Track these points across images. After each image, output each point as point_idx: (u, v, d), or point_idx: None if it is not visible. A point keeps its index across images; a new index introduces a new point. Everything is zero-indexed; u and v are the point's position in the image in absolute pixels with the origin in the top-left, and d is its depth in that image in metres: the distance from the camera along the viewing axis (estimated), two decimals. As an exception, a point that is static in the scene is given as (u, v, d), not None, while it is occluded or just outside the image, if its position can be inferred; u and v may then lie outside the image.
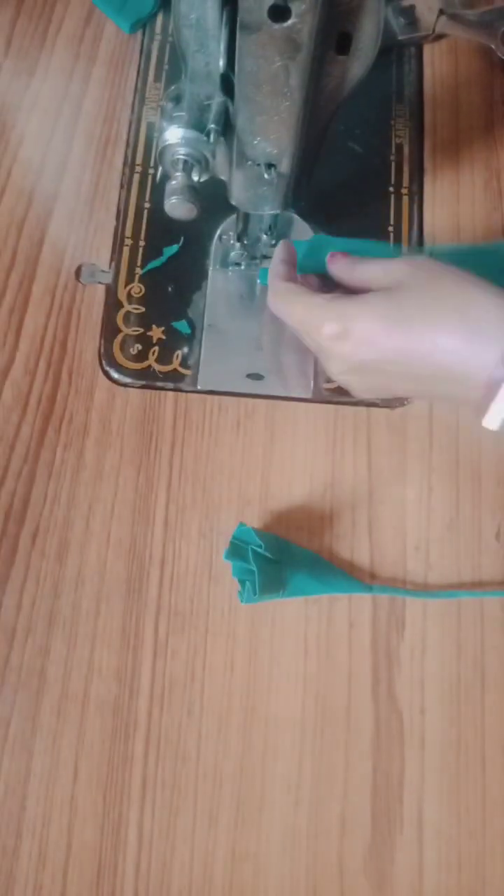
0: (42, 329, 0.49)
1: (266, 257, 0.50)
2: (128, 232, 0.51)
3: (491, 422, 0.33)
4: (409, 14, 0.55)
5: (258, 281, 0.49)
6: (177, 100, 0.36)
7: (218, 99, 0.36)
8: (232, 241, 0.49)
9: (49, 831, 0.40)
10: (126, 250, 0.51)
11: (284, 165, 0.39)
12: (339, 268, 0.40)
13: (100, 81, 0.56)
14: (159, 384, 0.48)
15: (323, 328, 0.36)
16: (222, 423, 0.47)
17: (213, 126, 0.35)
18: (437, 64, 0.57)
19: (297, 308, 0.38)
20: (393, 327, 0.34)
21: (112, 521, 0.45)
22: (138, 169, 0.53)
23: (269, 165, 0.39)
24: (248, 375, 0.48)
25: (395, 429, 0.47)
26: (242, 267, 0.50)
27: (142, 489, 0.46)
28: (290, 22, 0.30)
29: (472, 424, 0.37)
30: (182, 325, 0.49)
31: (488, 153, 0.54)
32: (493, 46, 0.55)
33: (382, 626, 0.43)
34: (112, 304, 0.50)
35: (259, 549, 0.43)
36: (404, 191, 0.53)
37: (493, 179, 0.53)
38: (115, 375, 0.48)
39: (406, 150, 0.54)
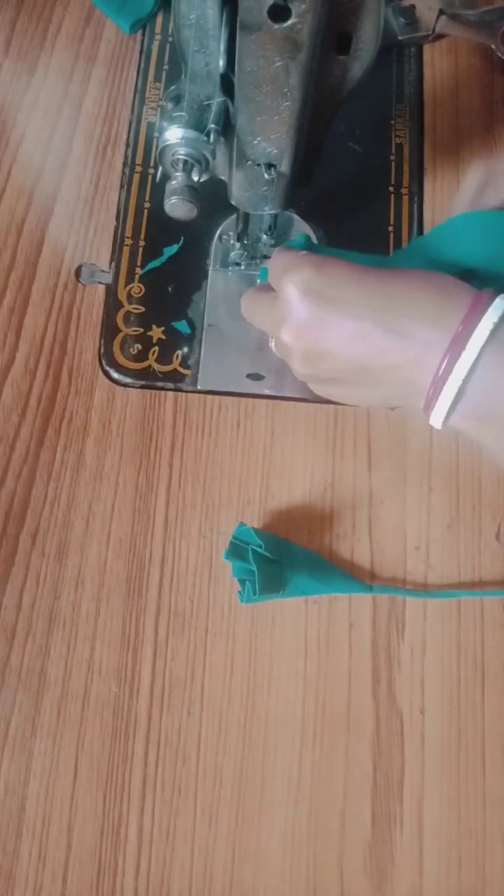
0: (42, 329, 0.49)
1: (266, 257, 0.50)
2: (128, 232, 0.51)
3: (435, 420, 0.33)
4: (409, 14, 0.55)
5: (258, 281, 0.49)
6: (177, 100, 0.36)
7: (218, 99, 0.36)
8: (232, 241, 0.49)
9: (49, 831, 0.40)
10: (126, 250, 0.51)
11: (284, 165, 0.39)
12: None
13: (100, 81, 0.56)
14: (159, 384, 0.48)
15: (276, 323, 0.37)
16: (222, 423, 0.47)
17: (213, 126, 0.35)
18: (437, 64, 0.57)
19: (256, 309, 0.41)
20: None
21: (112, 521, 0.45)
22: (138, 169, 0.53)
23: (269, 165, 0.39)
24: (248, 375, 0.48)
25: (395, 429, 0.47)
26: (242, 267, 0.50)
27: (142, 489, 0.46)
28: (290, 22, 0.30)
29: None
30: (182, 325, 0.49)
31: (488, 153, 0.54)
32: (493, 46, 0.55)
33: (382, 626, 0.43)
34: (112, 304, 0.50)
35: (259, 549, 0.43)
36: (404, 191, 0.53)
37: (493, 179, 0.53)
38: (115, 375, 0.48)
39: (406, 150, 0.54)
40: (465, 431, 0.34)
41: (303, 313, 0.35)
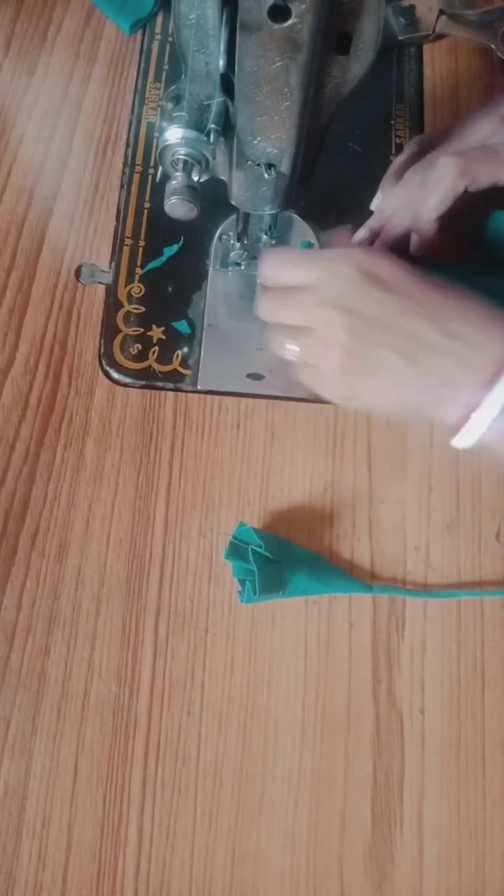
0: (42, 329, 0.49)
1: (266, 257, 0.50)
2: (128, 232, 0.51)
3: (462, 441, 0.34)
4: (409, 14, 0.55)
5: (258, 281, 0.49)
6: (177, 100, 0.36)
7: (218, 99, 0.36)
8: (232, 241, 0.49)
9: (49, 831, 0.40)
10: (126, 250, 0.51)
11: (284, 165, 0.39)
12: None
13: (100, 81, 0.56)
14: (159, 384, 0.48)
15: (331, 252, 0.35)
16: (222, 423, 0.47)
17: (213, 126, 0.35)
18: (437, 64, 0.57)
19: (285, 300, 0.38)
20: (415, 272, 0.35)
21: (112, 521, 0.45)
22: (138, 169, 0.53)
23: (269, 165, 0.39)
24: (248, 375, 0.48)
25: (395, 429, 0.47)
26: (242, 267, 0.50)
27: (142, 489, 0.46)
28: (290, 22, 0.30)
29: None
30: (182, 325, 0.49)
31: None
32: (493, 46, 0.55)
33: (382, 626, 0.43)
34: (112, 304, 0.50)
35: (259, 549, 0.43)
36: (404, 191, 0.53)
37: (493, 179, 0.53)
38: (115, 375, 0.48)
39: (406, 150, 0.54)
40: (493, 447, 0.34)
41: (360, 293, 0.35)
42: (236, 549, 0.43)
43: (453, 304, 0.35)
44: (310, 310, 0.37)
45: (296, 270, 0.38)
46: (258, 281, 0.49)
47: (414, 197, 0.42)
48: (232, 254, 0.50)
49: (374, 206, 0.47)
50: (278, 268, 0.38)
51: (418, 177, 0.43)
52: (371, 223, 0.45)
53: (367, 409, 0.40)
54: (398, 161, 0.46)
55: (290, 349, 0.38)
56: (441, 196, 0.41)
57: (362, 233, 0.45)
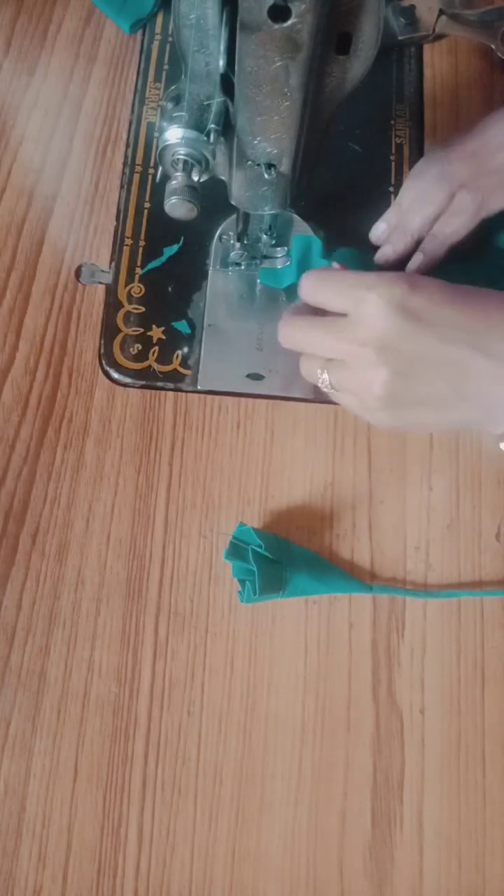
0: (42, 329, 0.49)
1: (266, 257, 0.50)
2: (128, 232, 0.51)
3: None
4: (409, 14, 0.55)
5: (258, 281, 0.49)
6: (177, 100, 0.36)
7: (218, 99, 0.36)
8: (232, 241, 0.49)
9: (49, 831, 0.40)
10: (126, 250, 0.51)
11: (284, 165, 0.39)
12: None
13: (100, 81, 0.56)
14: (159, 384, 0.48)
15: (373, 280, 0.35)
16: (222, 424, 0.47)
17: (213, 126, 0.35)
18: (437, 64, 0.57)
19: (313, 332, 0.38)
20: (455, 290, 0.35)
21: (112, 521, 0.45)
22: (138, 169, 0.53)
23: (269, 165, 0.39)
24: (248, 375, 0.48)
25: (395, 429, 0.47)
26: (242, 267, 0.50)
27: (142, 489, 0.46)
28: (290, 22, 0.30)
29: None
30: (182, 325, 0.49)
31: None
32: (493, 46, 0.55)
33: (382, 626, 0.43)
34: (112, 304, 0.50)
35: (259, 549, 0.43)
36: (404, 191, 0.53)
37: (493, 179, 0.53)
38: (115, 375, 0.48)
39: (406, 150, 0.54)
40: None
41: (396, 331, 0.34)
42: (236, 549, 0.43)
43: (494, 322, 0.34)
44: (347, 347, 0.36)
45: (340, 293, 0.37)
46: (258, 282, 0.50)
47: (426, 210, 0.43)
48: (232, 254, 0.50)
49: (373, 235, 0.48)
50: (317, 290, 0.38)
51: (433, 188, 0.43)
52: (389, 218, 0.46)
53: (415, 430, 0.41)
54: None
55: (324, 380, 0.38)
56: (458, 228, 0.42)
57: (382, 227, 0.46)
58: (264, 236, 0.49)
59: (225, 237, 0.51)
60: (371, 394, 0.36)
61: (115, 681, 0.43)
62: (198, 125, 0.35)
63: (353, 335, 0.36)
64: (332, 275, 0.38)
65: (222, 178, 0.42)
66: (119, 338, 0.49)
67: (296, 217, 0.51)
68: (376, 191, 0.53)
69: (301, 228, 0.51)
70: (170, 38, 0.57)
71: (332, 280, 0.38)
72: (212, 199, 0.40)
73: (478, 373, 0.34)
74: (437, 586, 0.44)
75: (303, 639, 0.43)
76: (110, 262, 0.51)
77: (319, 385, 0.39)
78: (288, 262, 0.48)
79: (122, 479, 0.46)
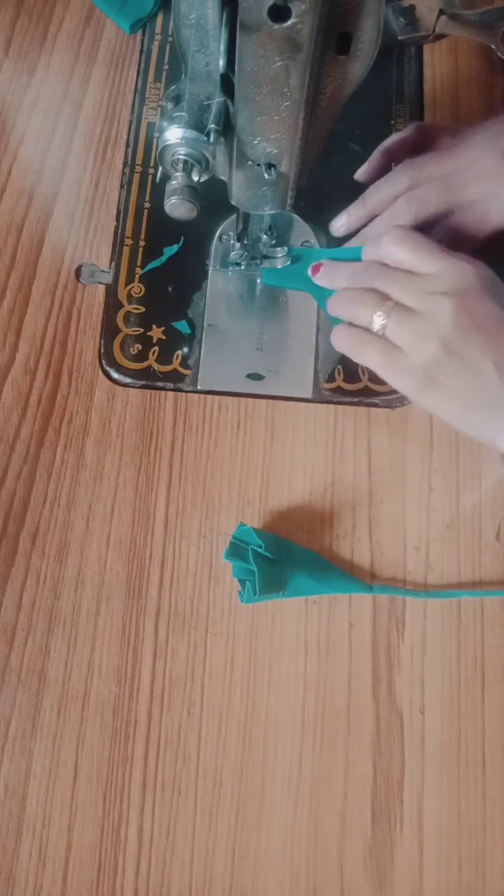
0: (42, 329, 0.49)
1: (266, 257, 0.49)
2: (128, 232, 0.51)
3: None
4: (409, 14, 0.55)
5: (258, 281, 0.49)
6: (177, 100, 0.36)
7: (218, 99, 0.36)
8: (232, 241, 0.49)
9: (49, 831, 0.40)
10: (126, 250, 0.51)
11: (284, 165, 0.39)
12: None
13: (100, 81, 0.56)
14: (159, 384, 0.48)
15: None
16: (222, 424, 0.47)
17: (213, 126, 0.36)
18: (437, 64, 0.57)
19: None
20: None
21: (112, 521, 0.45)
22: (138, 169, 0.53)
23: (269, 165, 0.39)
24: (248, 375, 0.48)
25: (395, 429, 0.47)
26: (242, 267, 0.50)
27: (142, 489, 0.46)
28: (290, 22, 0.30)
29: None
30: (182, 325, 0.49)
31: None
32: (493, 46, 0.55)
33: (383, 626, 0.43)
34: (112, 304, 0.50)
35: (259, 549, 0.43)
36: (404, 191, 0.53)
37: (493, 179, 0.53)
38: (115, 375, 0.48)
39: (406, 150, 0.54)
40: None
41: (479, 295, 0.36)
42: (236, 549, 0.43)
43: None
44: (424, 294, 0.37)
45: (424, 255, 0.38)
46: (258, 282, 0.50)
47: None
48: (232, 254, 0.50)
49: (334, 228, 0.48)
50: (407, 244, 0.38)
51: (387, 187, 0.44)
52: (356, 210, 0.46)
53: (427, 410, 0.40)
54: (391, 140, 0.47)
55: (378, 321, 0.38)
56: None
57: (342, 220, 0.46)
58: (264, 236, 0.49)
59: (225, 237, 0.51)
60: (423, 348, 0.36)
61: (115, 681, 0.43)
62: (198, 125, 0.35)
63: (440, 285, 0.36)
64: (424, 237, 0.39)
65: (222, 178, 0.42)
66: (119, 338, 0.49)
67: (296, 217, 0.51)
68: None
69: (301, 228, 0.51)
70: (170, 38, 0.57)
71: (426, 241, 0.39)
72: (212, 199, 0.40)
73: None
74: (437, 586, 0.44)
75: (303, 639, 0.43)
76: (110, 262, 0.51)
77: (368, 324, 0.39)
78: (288, 263, 0.48)
79: (122, 480, 0.46)
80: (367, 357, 0.39)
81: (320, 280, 0.43)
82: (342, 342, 0.40)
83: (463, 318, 0.36)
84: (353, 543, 0.45)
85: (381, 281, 0.39)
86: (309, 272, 0.44)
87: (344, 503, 0.46)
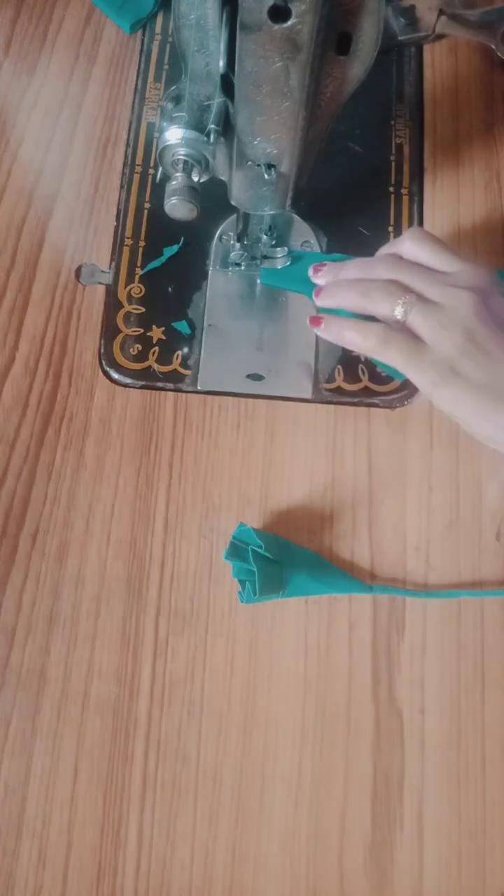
0: (42, 329, 0.49)
1: (266, 257, 0.50)
2: (128, 232, 0.51)
3: None
4: (409, 14, 0.55)
5: (258, 281, 0.49)
6: (177, 100, 0.36)
7: (218, 99, 0.36)
8: (232, 242, 0.49)
9: (49, 832, 0.40)
10: (126, 250, 0.51)
11: (284, 165, 0.39)
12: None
13: (100, 81, 0.56)
14: (159, 384, 0.48)
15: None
16: (222, 424, 0.47)
17: (213, 126, 0.36)
18: (437, 64, 0.57)
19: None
20: None
21: (112, 522, 0.45)
22: (138, 169, 0.53)
23: (269, 166, 0.39)
24: (248, 376, 0.48)
25: (395, 429, 0.47)
26: (242, 267, 0.50)
27: (142, 489, 0.46)
28: (290, 22, 0.30)
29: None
30: (182, 326, 0.49)
31: (488, 153, 0.54)
32: (493, 46, 0.55)
33: (383, 627, 0.43)
34: (112, 304, 0.50)
35: (259, 550, 0.43)
36: (404, 191, 0.53)
37: (493, 179, 0.53)
38: (115, 376, 0.48)
39: (406, 150, 0.54)
40: None
41: (497, 294, 0.37)
42: (236, 550, 0.43)
43: None
44: (445, 287, 0.38)
45: (442, 254, 0.39)
46: (258, 282, 0.49)
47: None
48: (232, 254, 0.50)
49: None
50: (427, 243, 0.39)
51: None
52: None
53: (446, 408, 0.39)
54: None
55: (401, 310, 0.38)
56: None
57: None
58: (264, 236, 0.49)
59: (225, 237, 0.51)
60: (448, 337, 0.36)
61: (115, 681, 0.43)
62: (198, 125, 0.35)
63: (460, 280, 0.37)
64: (439, 239, 0.40)
65: (222, 178, 0.42)
66: (119, 338, 0.49)
67: (296, 217, 0.51)
68: (376, 191, 0.53)
69: (301, 228, 0.51)
70: (170, 38, 0.57)
71: (446, 245, 0.40)
72: (212, 199, 0.40)
73: None
74: (437, 586, 0.44)
75: (303, 639, 0.43)
76: (110, 263, 0.51)
77: (389, 314, 0.38)
78: (288, 263, 0.48)
79: (122, 480, 0.46)
80: (391, 351, 0.38)
81: (322, 278, 0.43)
82: (354, 336, 0.40)
83: (483, 312, 0.36)
84: (353, 543, 0.45)
85: (401, 273, 0.39)
86: (310, 272, 0.44)
87: (344, 503, 0.46)
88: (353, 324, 0.40)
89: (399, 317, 0.38)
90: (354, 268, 0.41)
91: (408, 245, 0.40)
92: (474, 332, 0.36)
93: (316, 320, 0.42)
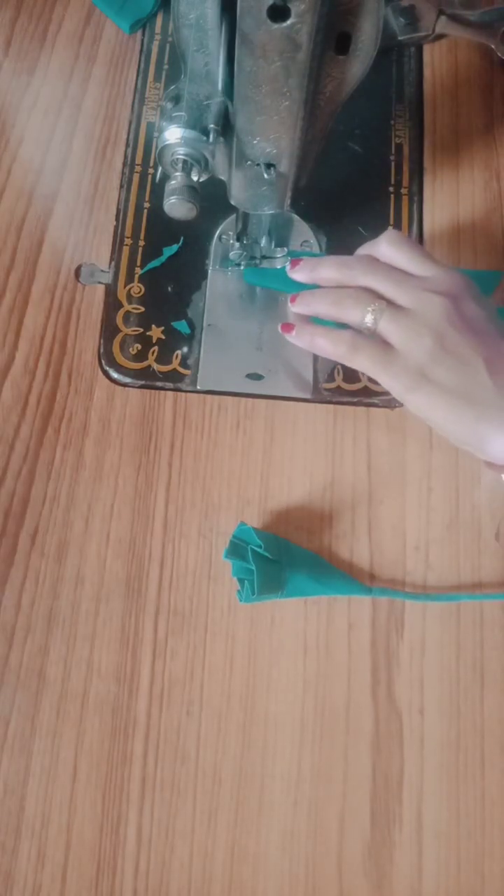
0: (42, 329, 0.49)
1: (266, 257, 0.50)
2: (127, 232, 0.51)
3: None
4: (409, 14, 0.55)
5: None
6: (176, 100, 0.36)
7: (217, 99, 0.36)
8: (232, 241, 0.49)
9: (48, 831, 0.40)
10: (126, 250, 0.51)
11: (284, 165, 0.39)
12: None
13: (100, 81, 0.56)
14: (159, 384, 0.48)
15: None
16: (222, 423, 0.47)
17: (212, 126, 0.36)
18: (437, 64, 0.57)
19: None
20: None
21: (112, 521, 0.45)
22: (138, 169, 0.53)
23: (269, 165, 0.39)
24: (248, 375, 0.48)
25: (395, 429, 0.47)
26: (242, 267, 0.50)
27: (141, 489, 0.46)
28: (289, 22, 0.30)
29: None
30: (182, 325, 0.49)
31: (488, 153, 0.54)
32: (493, 46, 0.55)
33: (382, 627, 0.43)
34: (112, 304, 0.50)
35: (258, 549, 0.43)
36: (404, 191, 0.53)
37: (493, 179, 0.53)
38: (115, 375, 0.48)
39: (406, 150, 0.54)
40: None
41: (467, 298, 0.37)
42: (236, 549, 0.43)
43: None
44: (417, 292, 0.38)
45: (417, 258, 0.39)
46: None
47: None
48: (231, 254, 0.50)
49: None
50: (406, 246, 0.40)
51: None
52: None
53: (418, 412, 0.39)
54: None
55: (370, 318, 0.38)
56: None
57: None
58: (264, 236, 0.49)
59: (225, 237, 0.51)
60: (418, 343, 0.37)
61: (115, 680, 0.43)
62: (197, 125, 0.35)
63: (432, 285, 0.38)
64: (418, 245, 0.41)
65: (222, 178, 0.42)
66: (119, 338, 0.49)
67: (296, 217, 0.51)
68: (376, 191, 0.53)
69: (301, 228, 0.51)
70: (170, 38, 0.57)
71: (421, 248, 0.41)
72: (212, 199, 0.40)
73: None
74: (436, 587, 0.44)
75: (302, 639, 0.43)
76: (110, 262, 0.51)
77: (359, 321, 0.39)
78: (288, 263, 0.48)
79: (122, 479, 0.46)
80: (360, 357, 0.39)
81: (298, 274, 0.43)
82: (325, 344, 0.41)
83: (454, 316, 0.37)
84: (353, 543, 0.45)
85: (373, 276, 0.39)
86: (287, 267, 0.44)
87: (343, 503, 0.46)
88: (324, 331, 0.41)
89: (369, 324, 0.38)
90: (330, 265, 0.41)
91: (383, 247, 0.40)
92: (444, 337, 0.36)
93: (287, 326, 0.44)
